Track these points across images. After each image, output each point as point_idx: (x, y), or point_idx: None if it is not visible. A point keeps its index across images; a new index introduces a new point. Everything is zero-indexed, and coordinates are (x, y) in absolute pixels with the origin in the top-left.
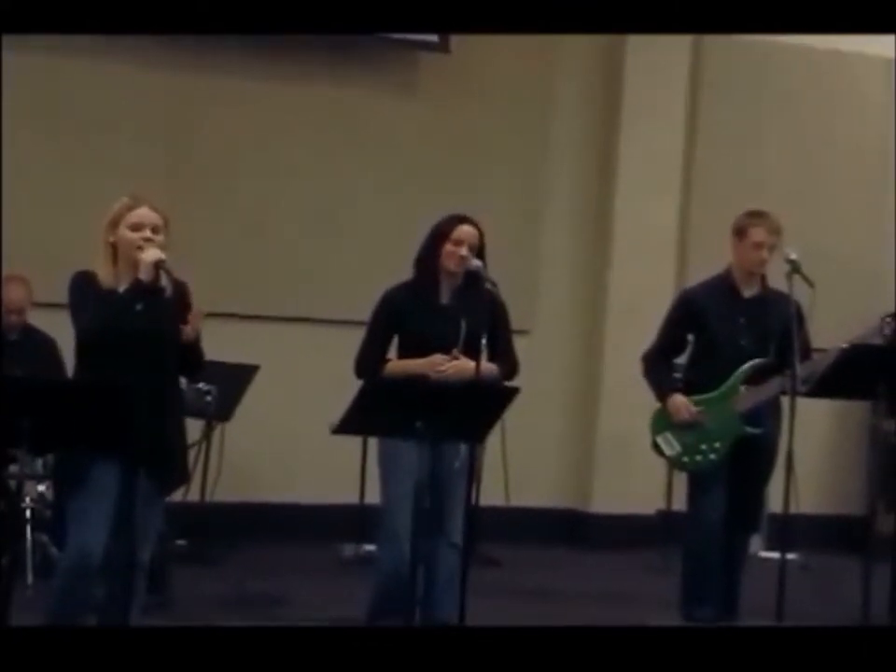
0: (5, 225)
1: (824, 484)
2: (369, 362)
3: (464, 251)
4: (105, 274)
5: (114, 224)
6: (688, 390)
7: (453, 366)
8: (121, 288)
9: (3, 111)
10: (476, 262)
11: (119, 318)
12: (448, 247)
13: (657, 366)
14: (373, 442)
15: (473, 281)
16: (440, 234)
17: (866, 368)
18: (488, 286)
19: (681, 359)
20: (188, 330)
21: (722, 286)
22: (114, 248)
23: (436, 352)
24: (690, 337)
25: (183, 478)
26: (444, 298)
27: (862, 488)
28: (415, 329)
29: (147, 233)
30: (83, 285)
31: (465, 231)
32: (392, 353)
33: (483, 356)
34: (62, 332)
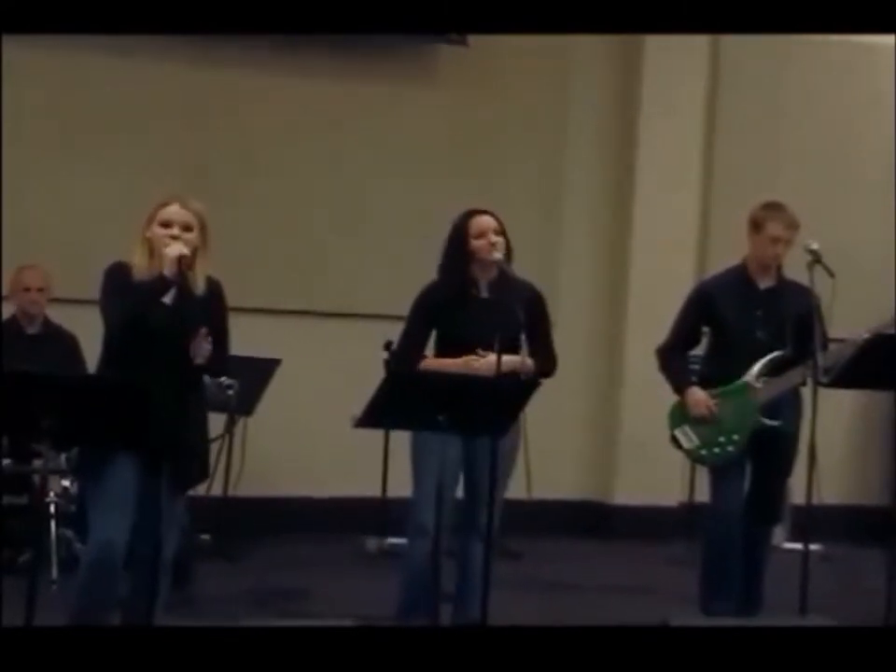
0: (24, 222)
1: (847, 475)
2: (406, 357)
3: (493, 237)
4: (139, 267)
5: (149, 221)
6: (704, 383)
7: (485, 363)
8: None
9: (24, 110)
10: (498, 255)
11: (143, 310)
12: (475, 242)
13: (673, 360)
14: (404, 436)
15: (506, 275)
16: (462, 230)
17: (888, 358)
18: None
19: (697, 351)
20: (197, 353)
21: (738, 277)
22: (150, 245)
23: (474, 346)
24: (705, 329)
25: (203, 474)
26: (483, 292)
27: (885, 479)
28: (452, 325)
29: (175, 230)
30: (116, 275)
31: (484, 220)
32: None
33: (524, 350)
34: (80, 329)
